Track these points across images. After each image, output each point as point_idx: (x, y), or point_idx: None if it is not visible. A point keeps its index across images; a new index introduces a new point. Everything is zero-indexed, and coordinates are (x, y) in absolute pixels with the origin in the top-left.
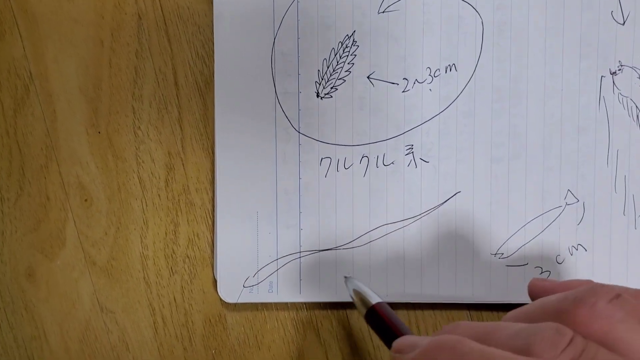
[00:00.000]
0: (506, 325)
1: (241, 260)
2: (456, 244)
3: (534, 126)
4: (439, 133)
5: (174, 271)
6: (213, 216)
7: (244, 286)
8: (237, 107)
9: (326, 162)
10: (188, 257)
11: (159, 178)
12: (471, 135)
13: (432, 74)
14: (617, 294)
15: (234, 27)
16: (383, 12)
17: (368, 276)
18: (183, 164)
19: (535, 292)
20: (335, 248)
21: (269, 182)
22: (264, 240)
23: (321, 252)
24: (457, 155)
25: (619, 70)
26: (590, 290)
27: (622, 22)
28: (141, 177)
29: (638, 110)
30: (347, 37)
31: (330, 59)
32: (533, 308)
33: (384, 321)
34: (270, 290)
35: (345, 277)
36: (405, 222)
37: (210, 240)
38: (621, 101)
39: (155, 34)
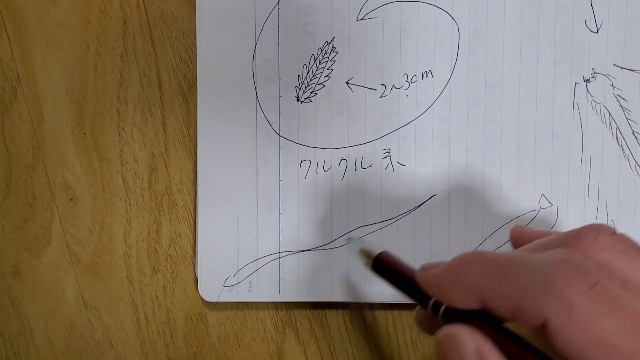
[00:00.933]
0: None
1: (221, 260)
2: (432, 246)
3: (509, 132)
4: (415, 137)
5: (156, 270)
6: (195, 216)
7: (224, 285)
8: (219, 110)
9: (306, 164)
10: (170, 256)
11: (143, 179)
12: (447, 140)
13: (409, 80)
14: (615, 231)
15: (216, 33)
16: (361, 19)
17: (347, 276)
18: (166, 165)
19: (518, 238)
20: (314, 249)
21: (250, 184)
22: (244, 240)
23: (300, 253)
24: (433, 159)
25: (593, 77)
26: (591, 227)
27: (596, 31)
28: (125, 177)
29: (611, 117)
30: (326, 43)
31: (310, 65)
32: (535, 245)
33: (390, 267)
34: (250, 290)
35: (349, 239)
36: (383, 224)
37: (191, 240)
38: (594, 108)
39: (140, 38)
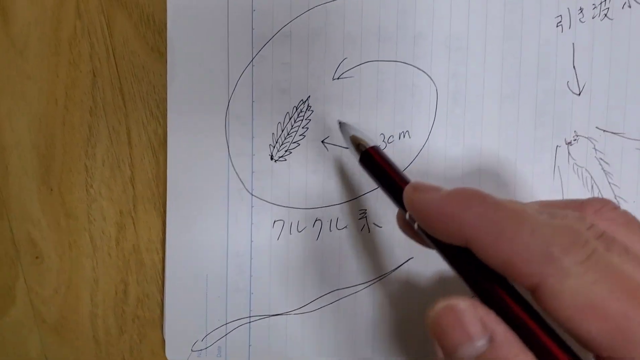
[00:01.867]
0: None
1: (190, 324)
2: (408, 310)
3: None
4: None
5: (123, 331)
6: (163, 277)
7: (192, 350)
8: (190, 168)
9: (279, 224)
10: (137, 317)
11: (110, 237)
12: None
13: (386, 140)
14: (619, 207)
15: (187, 88)
16: (338, 78)
17: (319, 341)
18: (134, 223)
19: None
20: (286, 313)
21: (220, 244)
22: (213, 303)
23: (271, 317)
24: None
25: (575, 140)
26: (596, 198)
27: (578, 93)
28: (92, 235)
29: (593, 181)
30: (301, 102)
31: (285, 123)
32: (539, 203)
33: (379, 164)
34: (218, 355)
35: (340, 122)
36: (358, 288)
37: (160, 301)
38: (576, 171)
39: (109, 92)
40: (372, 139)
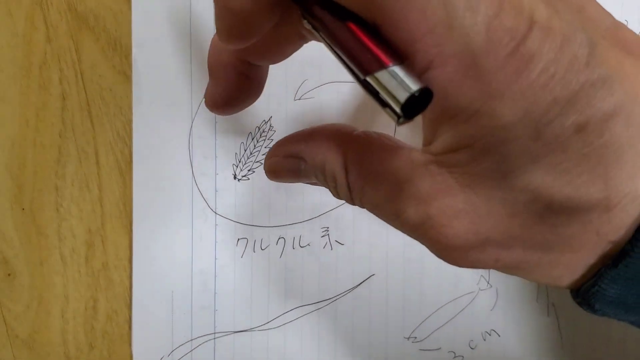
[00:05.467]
0: None
1: (156, 339)
2: (370, 326)
3: None
4: (353, 216)
5: (93, 346)
6: (131, 293)
7: None
8: (155, 187)
9: (242, 242)
10: (107, 332)
11: (80, 254)
12: None
13: None
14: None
15: (152, 110)
16: (299, 99)
17: (283, 358)
18: (103, 241)
19: None
20: (251, 329)
21: (185, 262)
22: (179, 320)
23: (236, 334)
24: (371, 238)
25: None
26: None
27: None
28: (62, 253)
29: None
30: (264, 122)
31: (248, 143)
32: None
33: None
34: None
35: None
36: (320, 304)
37: (128, 317)
38: None
39: (78, 114)
40: None
